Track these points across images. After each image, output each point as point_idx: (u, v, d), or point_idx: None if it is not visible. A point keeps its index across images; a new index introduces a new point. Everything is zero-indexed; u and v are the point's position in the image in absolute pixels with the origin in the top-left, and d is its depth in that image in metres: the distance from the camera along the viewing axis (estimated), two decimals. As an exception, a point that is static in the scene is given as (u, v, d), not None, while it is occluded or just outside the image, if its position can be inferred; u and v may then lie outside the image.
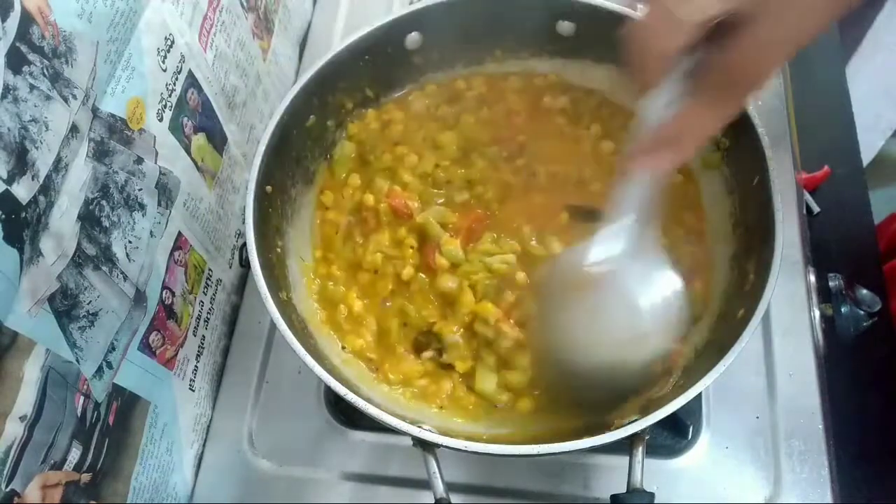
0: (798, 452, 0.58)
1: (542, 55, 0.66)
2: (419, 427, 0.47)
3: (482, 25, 0.64)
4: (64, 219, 0.44)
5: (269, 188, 0.57)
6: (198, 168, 0.61)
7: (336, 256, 0.62)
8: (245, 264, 0.53)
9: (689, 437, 0.60)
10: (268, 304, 0.50)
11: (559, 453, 0.47)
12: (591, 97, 0.66)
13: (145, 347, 0.55)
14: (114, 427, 0.51)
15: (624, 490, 0.45)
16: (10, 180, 0.39)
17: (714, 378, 0.45)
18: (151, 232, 0.55)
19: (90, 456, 0.49)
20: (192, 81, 0.59)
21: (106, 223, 0.49)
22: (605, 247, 0.46)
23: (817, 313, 0.62)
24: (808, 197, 0.74)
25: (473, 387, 0.56)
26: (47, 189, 0.42)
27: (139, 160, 0.52)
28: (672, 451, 0.59)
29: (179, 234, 0.59)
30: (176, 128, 0.57)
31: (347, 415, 0.64)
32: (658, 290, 0.47)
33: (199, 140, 0.61)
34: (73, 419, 0.47)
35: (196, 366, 0.64)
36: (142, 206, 0.53)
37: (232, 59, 0.66)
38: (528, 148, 0.64)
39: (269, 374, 0.67)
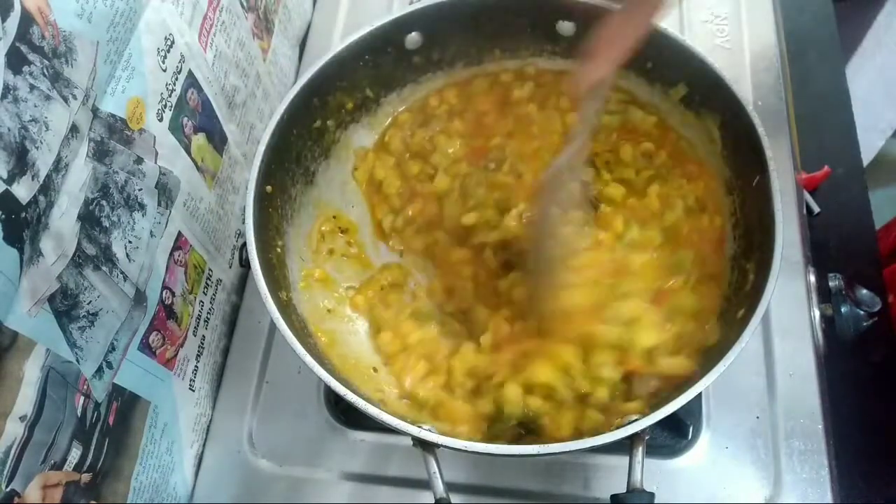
0: (798, 452, 0.58)
1: (542, 55, 0.67)
2: (419, 427, 0.47)
3: (482, 25, 0.64)
4: (64, 219, 0.44)
5: (269, 188, 0.57)
6: (198, 168, 0.61)
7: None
8: (245, 264, 0.53)
9: (690, 436, 0.60)
10: (268, 304, 0.50)
11: (559, 453, 0.47)
12: (554, 76, 0.67)
13: (145, 347, 0.55)
14: (114, 427, 0.51)
15: (624, 490, 0.45)
16: (10, 180, 0.39)
17: (714, 378, 0.45)
18: (151, 232, 0.55)
19: (90, 456, 0.49)
20: (192, 81, 0.59)
21: (106, 223, 0.49)
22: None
23: (817, 313, 0.62)
24: (808, 197, 0.74)
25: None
26: (47, 189, 0.42)
27: (139, 160, 0.52)
28: (672, 451, 0.59)
29: (179, 234, 0.59)
30: (176, 128, 0.57)
31: (347, 415, 0.64)
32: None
33: (199, 140, 0.61)
34: (74, 419, 0.47)
35: (196, 366, 0.64)
36: (142, 206, 0.53)
37: (232, 59, 0.66)
38: (507, 148, 0.65)
39: (269, 374, 0.67)
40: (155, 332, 0.56)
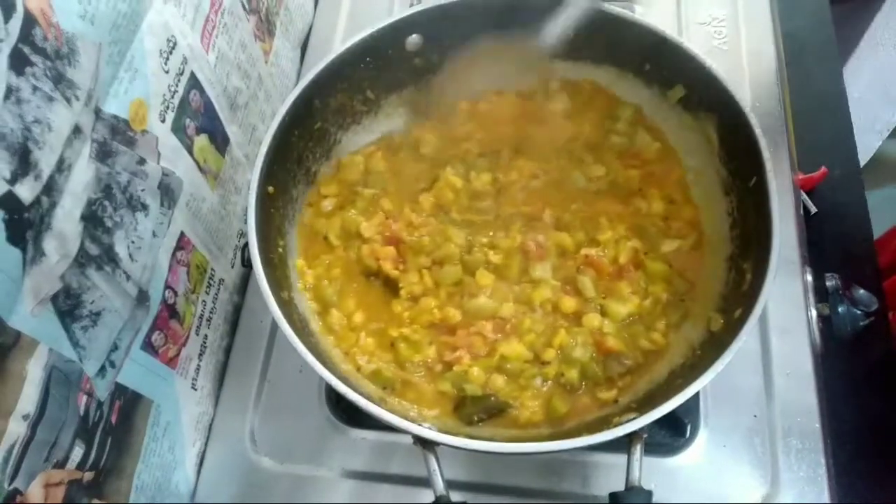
0: (795, 451, 0.58)
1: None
2: (420, 425, 0.47)
3: (482, 27, 0.64)
4: (67, 219, 0.44)
5: (271, 189, 0.57)
6: (200, 169, 0.62)
7: None
8: (247, 264, 0.53)
9: (687, 435, 0.60)
10: (270, 304, 0.50)
11: (558, 451, 0.47)
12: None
13: (148, 346, 0.55)
14: (116, 426, 0.52)
15: (622, 488, 0.46)
16: (13, 181, 0.39)
17: (712, 377, 0.45)
18: (154, 232, 0.55)
19: (93, 454, 0.49)
20: (194, 83, 0.59)
21: (109, 223, 0.49)
22: None
23: (814, 313, 0.62)
24: (805, 197, 0.75)
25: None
26: (50, 189, 0.42)
27: (142, 161, 0.52)
28: (670, 450, 0.60)
29: (182, 234, 0.60)
30: (178, 129, 0.57)
31: (348, 413, 0.64)
32: None
33: (201, 141, 0.61)
34: (76, 418, 0.47)
35: (198, 365, 0.64)
36: (144, 207, 0.53)
37: (234, 60, 0.67)
38: (501, 153, 0.66)
39: (270, 373, 0.68)
40: (157, 332, 0.57)
